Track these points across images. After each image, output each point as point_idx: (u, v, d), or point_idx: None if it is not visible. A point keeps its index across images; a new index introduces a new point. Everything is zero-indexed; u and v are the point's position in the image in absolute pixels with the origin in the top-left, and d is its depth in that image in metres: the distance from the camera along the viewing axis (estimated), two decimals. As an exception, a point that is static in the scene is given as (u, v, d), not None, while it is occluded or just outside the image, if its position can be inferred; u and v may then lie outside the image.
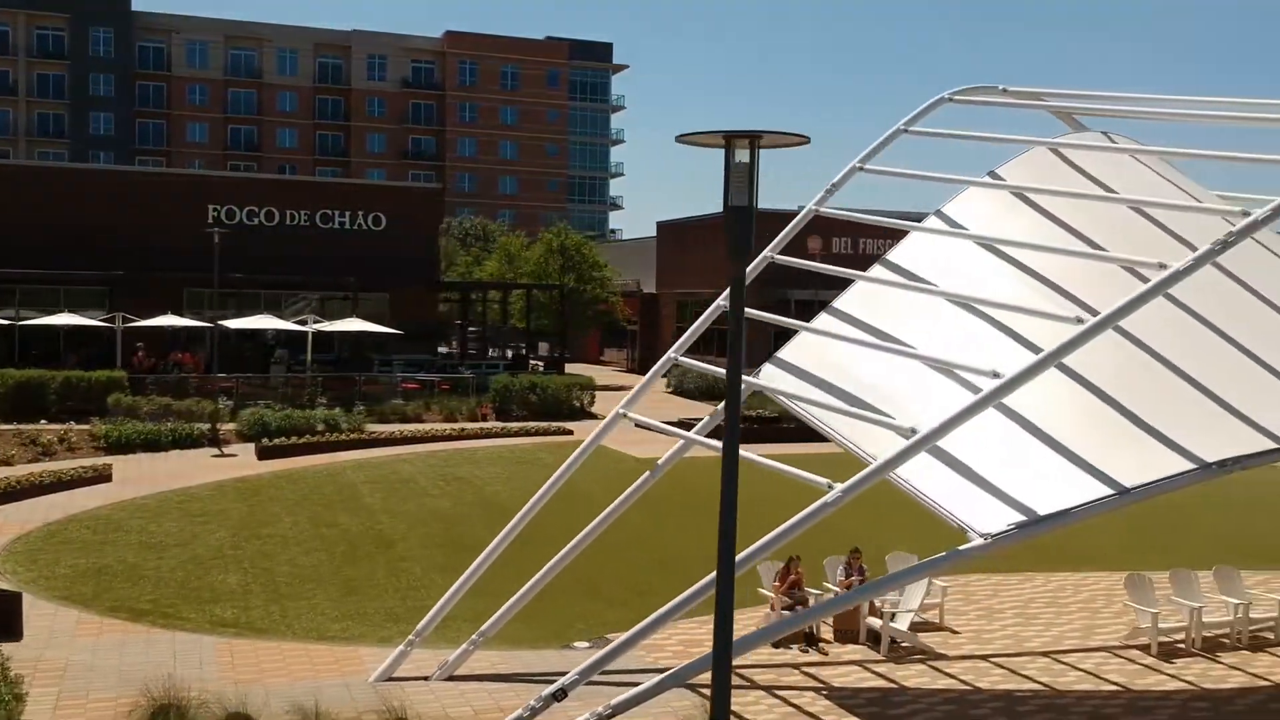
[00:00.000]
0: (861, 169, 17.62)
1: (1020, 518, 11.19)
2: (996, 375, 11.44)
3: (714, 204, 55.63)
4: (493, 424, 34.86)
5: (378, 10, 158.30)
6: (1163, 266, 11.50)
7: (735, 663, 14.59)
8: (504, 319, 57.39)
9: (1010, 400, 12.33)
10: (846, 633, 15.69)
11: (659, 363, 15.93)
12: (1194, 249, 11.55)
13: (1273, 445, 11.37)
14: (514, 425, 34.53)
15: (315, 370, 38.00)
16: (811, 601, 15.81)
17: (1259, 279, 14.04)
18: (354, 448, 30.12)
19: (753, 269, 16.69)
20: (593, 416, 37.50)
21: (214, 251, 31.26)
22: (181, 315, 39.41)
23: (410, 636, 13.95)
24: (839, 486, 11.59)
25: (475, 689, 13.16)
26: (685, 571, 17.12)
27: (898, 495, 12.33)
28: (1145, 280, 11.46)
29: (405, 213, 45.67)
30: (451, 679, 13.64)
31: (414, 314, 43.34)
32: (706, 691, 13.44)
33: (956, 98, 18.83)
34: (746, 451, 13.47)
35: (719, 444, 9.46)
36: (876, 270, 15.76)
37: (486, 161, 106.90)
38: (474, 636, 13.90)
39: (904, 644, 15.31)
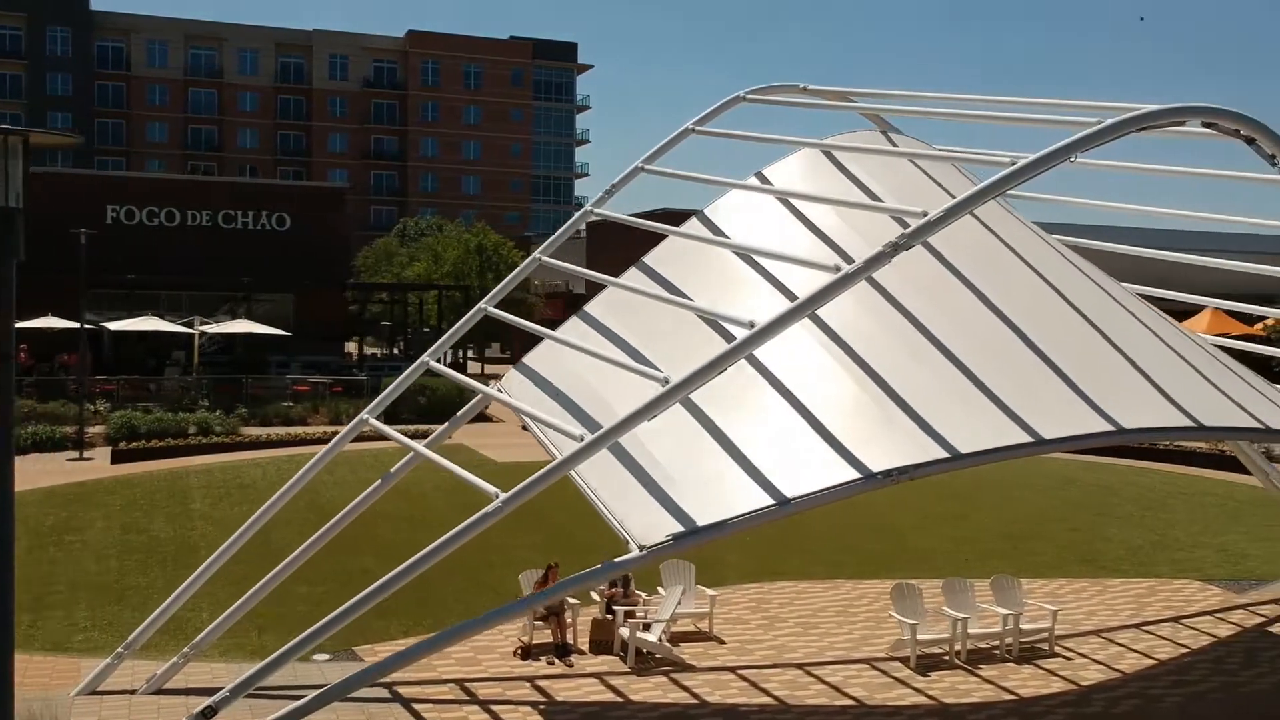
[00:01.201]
0: (643, 169, 17.29)
1: (679, 529, 10.81)
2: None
3: (678, 201, 55.07)
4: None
5: (339, 10, 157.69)
6: (837, 269, 11.15)
7: (472, 675, 14.31)
8: (420, 320, 56.74)
9: (702, 405, 12.00)
10: (601, 643, 15.30)
11: (411, 367, 15.61)
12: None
13: (943, 454, 10.97)
14: (395, 428, 33.94)
15: (201, 372, 37.57)
16: (568, 610, 15.42)
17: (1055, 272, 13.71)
18: (221, 451, 29.74)
19: (523, 269, 16.39)
20: (487, 419, 37.10)
21: (82, 253, 30.86)
22: (63, 317, 38.84)
23: (118, 649, 13.59)
24: (503, 496, 11.25)
25: (156, 703, 12.77)
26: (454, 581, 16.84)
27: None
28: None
29: (310, 213, 45.23)
30: (159, 692, 13.26)
31: (319, 315, 42.93)
32: (418, 705, 13.14)
33: (751, 96, 18.49)
34: (430, 451, 13.18)
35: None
36: (630, 274, 15.43)
37: (449, 161, 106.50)
38: (185, 649, 13.55)
39: (657, 655, 14.91)
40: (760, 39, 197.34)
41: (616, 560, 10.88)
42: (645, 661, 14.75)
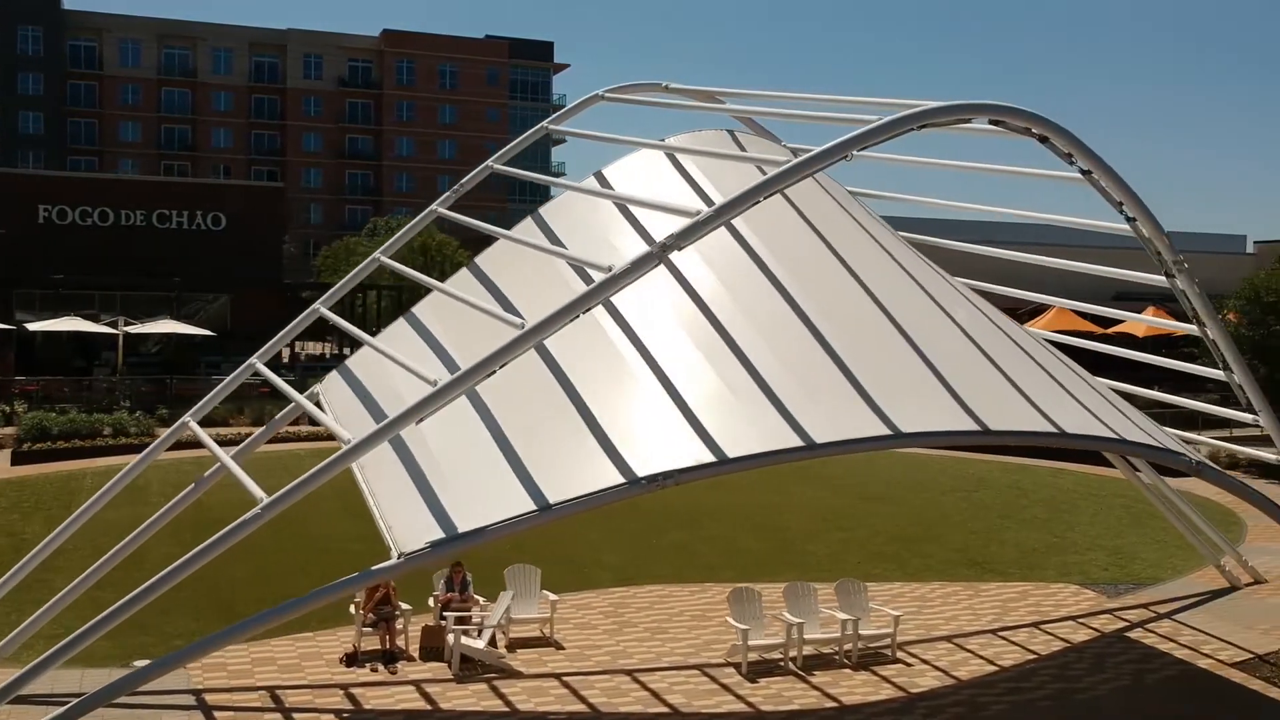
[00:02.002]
0: (493, 167, 17.16)
1: (441, 535, 10.60)
2: (435, 382, 10.87)
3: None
4: (301, 428, 34.09)
5: (314, 9, 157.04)
6: (610, 269, 10.94)
7: (291, 683, 14.07)
8: (364, 319, 56.16)
9: (491, 405, 11.81)
10: (432, 650, 15.06)
11: (238, 369, 15.43)
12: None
13: (711, 459, 10.75)
14: (311, 430, 33.70)
15: (124, 372, 37.32)
16: (400, 619, 15.18)
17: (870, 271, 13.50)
18: (133, 452, 29.36)
19: (361, 269, 16.21)
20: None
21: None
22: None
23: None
24: (265, 500, 11.04)
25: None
26: (283, 584, 16.67)
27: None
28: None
29: (247, 212, 44.93)
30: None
31: (255, 315, 42.57)
32: (220, 713, 12.90)
33: (609, 95, 18.32)
34: (228, 458, 12.93)
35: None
36: (458, 277, 15.31)
37: (424, 161, 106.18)
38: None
39: (485, 662, 14.68)
40: (738, 38, 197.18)
41: (373, 568, 10.66)
42: (471, 668, 14.52)
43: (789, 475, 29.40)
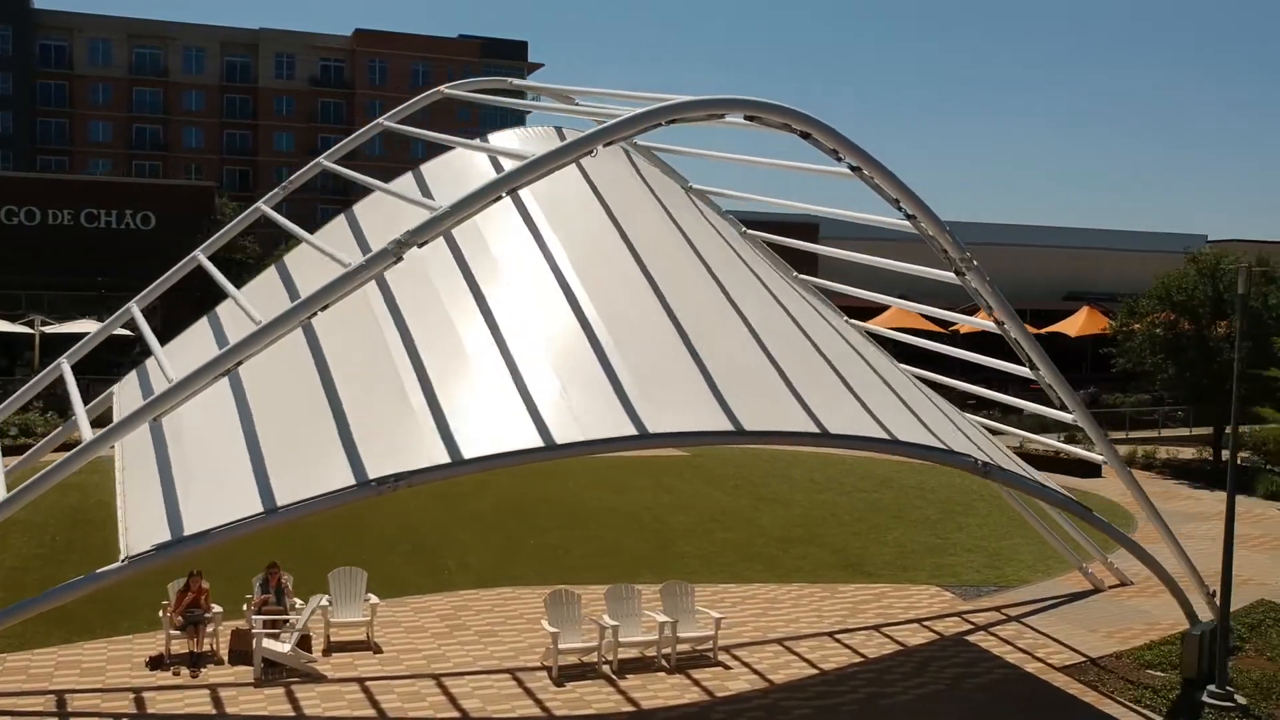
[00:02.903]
0: (323, 164, 17.01)
1: (168, 537, 10.39)
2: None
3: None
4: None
5: (286, 9, 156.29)
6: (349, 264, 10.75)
7: (88, 686, 13.86)
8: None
9: (253, 401, 11.63)
10: (241, 653, 14.84)
11: (43, 372, 15.26)
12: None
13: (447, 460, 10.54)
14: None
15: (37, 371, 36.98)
16: (210, 621, 14.96)
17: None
18: (19, 453, 29.11)
19: (183, 266, 16.03)
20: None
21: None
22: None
23: None
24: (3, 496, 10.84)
25: None
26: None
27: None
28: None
29: (176, 212, 44.64)
30: None
31: (186, 314, 42.07)
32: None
33: (449, 90, 18.21)
34: None
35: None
36: (266, 275, 15.15)
37: (395, 160, 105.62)
38: None
39: (290, 665, 14.46)
40: (713, 37, 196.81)
41: (98, 571, 10.46)
42: (276, 672, 14.30)
43: (690, 475, 29.26)
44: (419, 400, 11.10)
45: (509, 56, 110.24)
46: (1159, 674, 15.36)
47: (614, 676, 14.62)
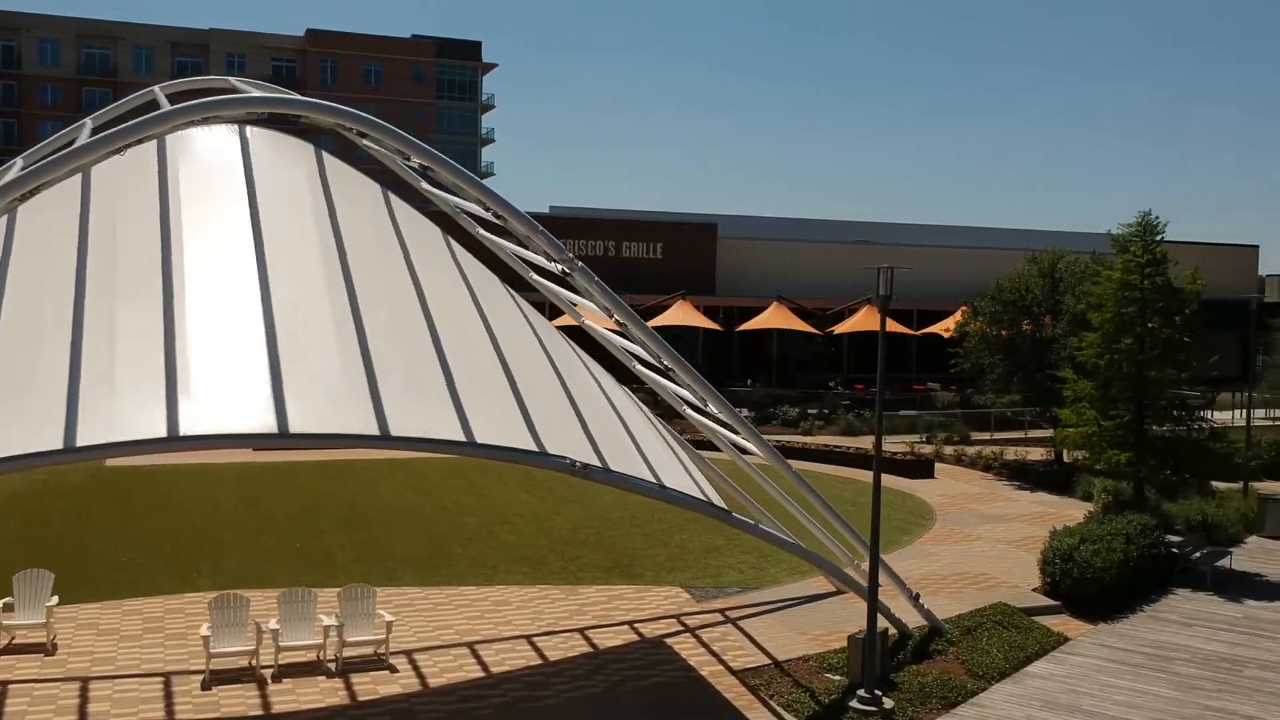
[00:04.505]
0: None
1: None
2: None
3: (594, 200, 54.55)
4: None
5: (237, 9, 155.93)
6: None
7: None
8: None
9: None
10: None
11: None
12: None
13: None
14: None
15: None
16: None
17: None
18: None
19: None
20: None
21: None
22: None
23: None
24: None
25: None
26: None
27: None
28: None
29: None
30: None
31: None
32: None
33: (164, 89, 18.08)
34: None
35: None
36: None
37: (347, 161, 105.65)
38: None
39: (-59, 669, 14.34)
40: (685, 37, 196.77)
41: None
42: (-79, 676, 14.18)
43: (507, 477, 29.12)
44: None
45: (463, 56, 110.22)
46: (836, 677, 15.23)
47: (267, 681, 14.49)
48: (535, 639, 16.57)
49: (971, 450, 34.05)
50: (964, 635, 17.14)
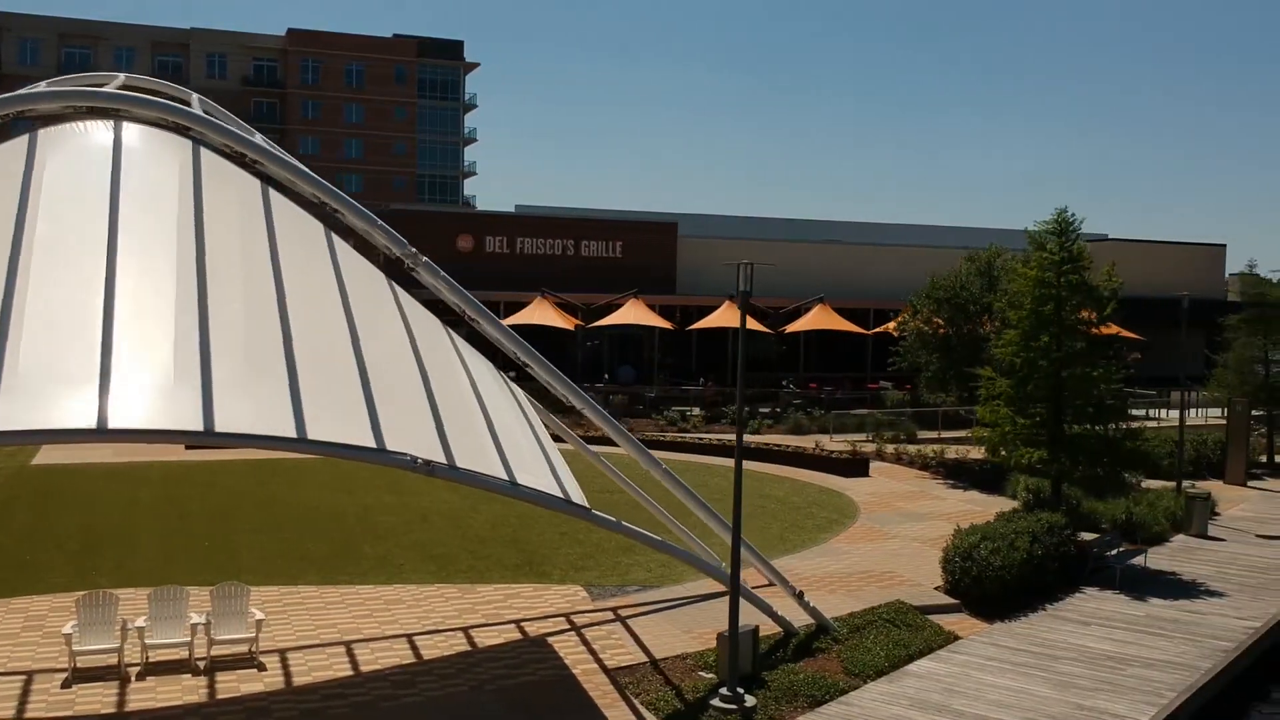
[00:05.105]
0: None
1: None
2: None
3: (572, 200, 54.27)
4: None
5: (218, 8, 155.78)
6: None
7: None
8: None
9: None
10: None
11: None
12: None
13: None
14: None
15: None
16: None
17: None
18: None
19: None
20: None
21: None
22: None
23: None
24: None
25: None
26: None
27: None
28: None
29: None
30: None
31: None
32: None
33: (45, 85, 17.93)
34: None
35: None
36: None
37: (330, 160, 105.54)
38: None
39: None
40: (663, 36, 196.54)
41: None
42: None
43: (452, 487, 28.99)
44: None
45: (445, 56, 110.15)
46: (708, 675, 15.16)
47: (131, 679, 14.41)
48: (416, 638, 16.49)
49: (913, 449, 33.95)
50: (851, 634, 17.07)
